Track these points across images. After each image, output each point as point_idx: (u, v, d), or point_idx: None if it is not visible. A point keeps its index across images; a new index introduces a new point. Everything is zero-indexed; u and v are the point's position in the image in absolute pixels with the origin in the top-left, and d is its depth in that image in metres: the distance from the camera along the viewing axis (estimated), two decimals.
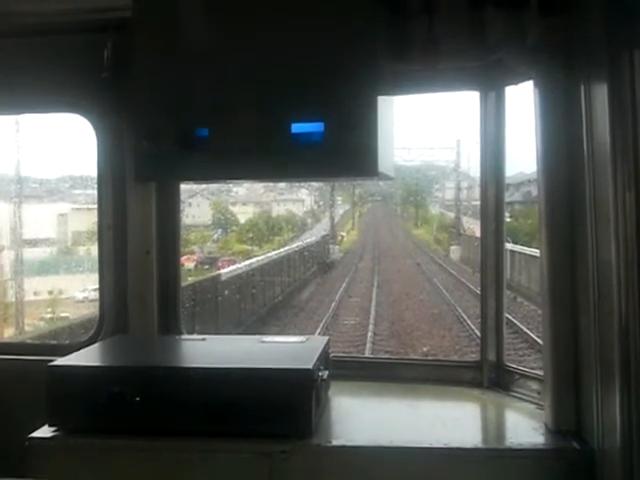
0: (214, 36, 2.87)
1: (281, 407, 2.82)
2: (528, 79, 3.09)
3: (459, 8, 3.13)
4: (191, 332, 4.07)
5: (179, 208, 3.97)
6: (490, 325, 3.63)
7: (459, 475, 2.83)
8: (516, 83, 3.44)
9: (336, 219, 24.95)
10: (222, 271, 17.25)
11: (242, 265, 17.98)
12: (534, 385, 3.39)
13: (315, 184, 22.39)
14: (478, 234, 3.72)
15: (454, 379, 3.66)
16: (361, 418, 3.22)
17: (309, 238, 23.80)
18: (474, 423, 3.38)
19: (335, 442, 2.88)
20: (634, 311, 2.44)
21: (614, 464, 2.55)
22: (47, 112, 4.19)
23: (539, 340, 11.09)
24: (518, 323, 14.11)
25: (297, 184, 22.31)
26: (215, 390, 2.85)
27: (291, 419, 2.83)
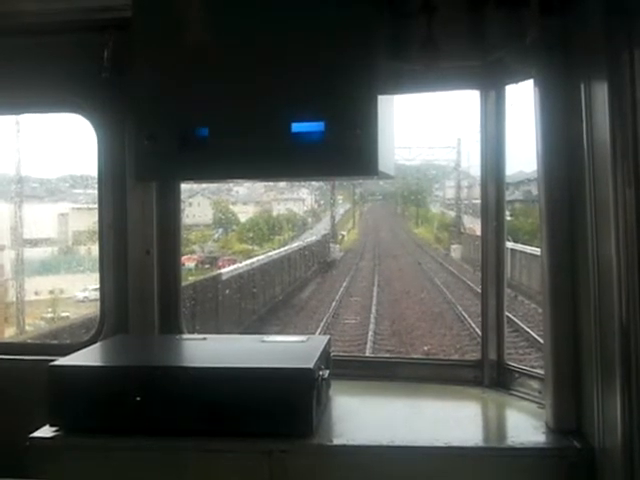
0: (214, 35, 2.87)
1: (282, 406, 2.82)
2: (528, 78, 3.09)
3: (459, 7, 3.13)
4: (192, 332, 4.07)
5: (179, 207, 3.97)
6: (491, 324, 3.63)
7: (460, 474, 2.83)
8: (516, 82, 3.44)
9: (337, 218, 24.93)
10: (223, 270, 17.25)
11: (243, 264, 17.98)
12: (535, 384, 3.39)
13: (315, 183, 22.35)
14: (479, 233, 3.72)
15: (455, 378, 3.66)
16: (362, 417, 3.22)
17: (310, 237, 23.78)
18: (475, 422, 3.38)
19: (336, 441, 2.88)
20: (634, 309, 2.44)
21: (615, 463, 2.55)
22: (47, 112, 4.19)
23: (540, 339, 11.09)
24: (519, 322, 14.10)
25: (297, 183, 22.26)
26: (216, 390, 2.86)
27: (292, 418, 2.83)
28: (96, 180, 3.91)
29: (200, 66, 2.87)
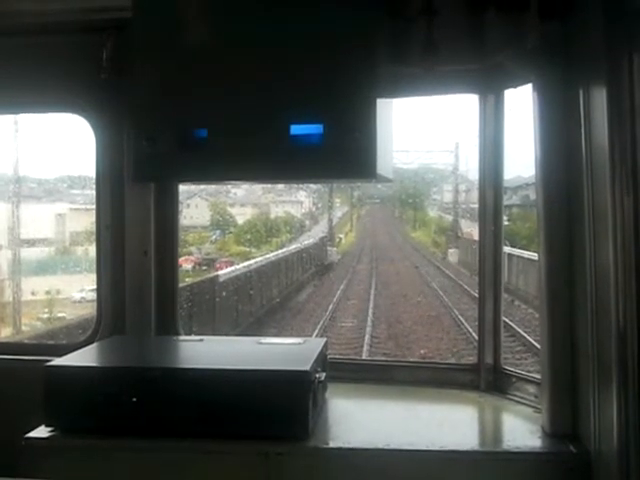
0: (214, 37, 2.87)
1: (278, 409, 2.82)
2: (527, 82, 3.10)
3: (459, 11, 3.14)
4: (188, 333, 4.07)
5: (177, 209, 3.97)
6: (488, 328, 3.63)
7: (455, 478, 2.83)
8: (515, 86, 3.44)
9: (334, 221, 24.91)
10: (220, 272, 17.22)
11: (240, 266, 17.95)
12: (531, 388, 3.39)
13: (313, 186, 22.32)
14: (476, 237, 3.72)
15: (451, 382, 3.66)
16: (358, 420, 3.22)
17: (307, 240, 23.76)
18: (471, 426, 3.38)
19: (332, 444, 2.88)
20: (631, 315, 2.45)
21: (611, 468, 2.55)
22: (46, 112, 4.19)
23: (536, 343, 11.09)
24: (515, 326, 14.10)
25: (295, 186, 22.25)
26: (212, 391, 2.85)
27: (288, 421, 2.83)
28: (94, 181, 3.91)
29: (200, 67, 2.87)
